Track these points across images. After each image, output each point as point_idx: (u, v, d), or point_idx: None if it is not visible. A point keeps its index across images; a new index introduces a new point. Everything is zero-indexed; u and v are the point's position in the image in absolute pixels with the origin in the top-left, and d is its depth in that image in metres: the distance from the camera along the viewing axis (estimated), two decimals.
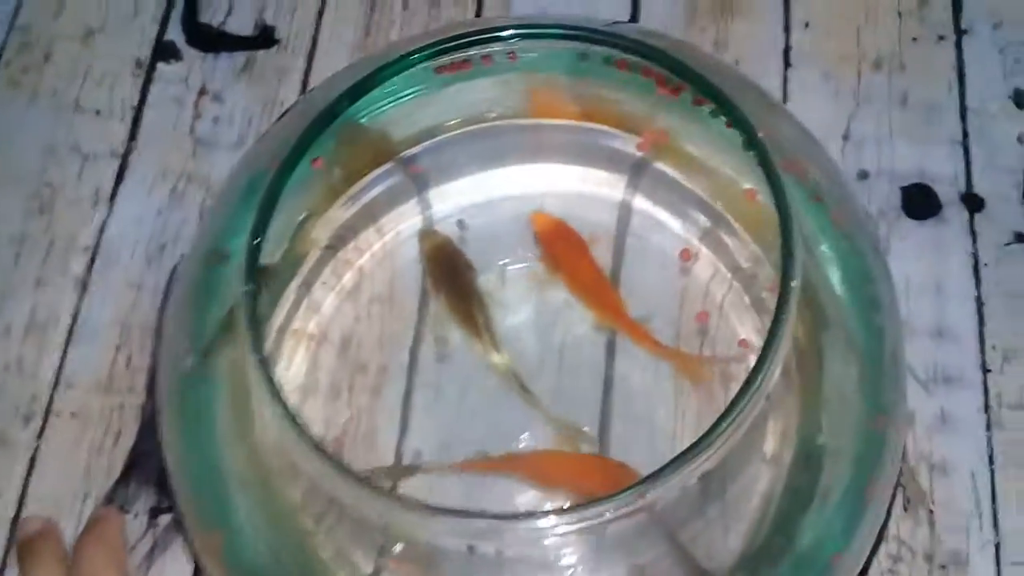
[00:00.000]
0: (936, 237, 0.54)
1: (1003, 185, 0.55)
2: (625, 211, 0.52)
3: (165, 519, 0.49)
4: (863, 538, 0.42)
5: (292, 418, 0.38)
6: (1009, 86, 0.57)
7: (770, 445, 0.43)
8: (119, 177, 0.56)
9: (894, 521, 0.48)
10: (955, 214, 0.54)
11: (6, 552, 0.49)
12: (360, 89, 0.43)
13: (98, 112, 0.58)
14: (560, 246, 0.50)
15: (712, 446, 0.37)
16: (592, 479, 0.46)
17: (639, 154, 0.51)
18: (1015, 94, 0.57)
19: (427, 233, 0.51)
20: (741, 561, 0.41)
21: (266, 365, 0.38)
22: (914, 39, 0.58)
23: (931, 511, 0.49)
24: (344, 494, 0.37)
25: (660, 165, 0.50)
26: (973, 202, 0.55)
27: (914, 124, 0.56)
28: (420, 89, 0.47)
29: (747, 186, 0.47)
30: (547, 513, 0.36)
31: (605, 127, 0.49)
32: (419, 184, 0.51)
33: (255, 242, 0.40)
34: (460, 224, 0.50)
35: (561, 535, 0.37)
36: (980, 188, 0.55)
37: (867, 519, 0.42)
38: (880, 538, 0.48)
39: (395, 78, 0.45)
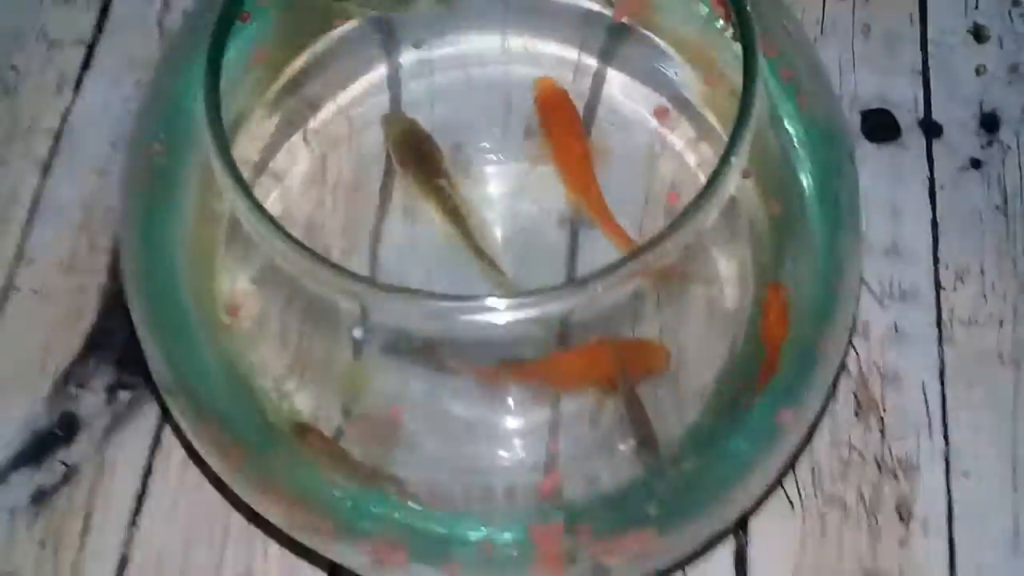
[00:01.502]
0: (894, 161, 0.55)
1: (961, 114, 0.56)
2: (599, 78, 0.51)
3: (125, 395, 0.49)
4: (812, 397, 0.43)
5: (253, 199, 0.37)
6: (969, 20, 0.59)
7: (729, 294, 0.44)
8: (85, 64, 0.56)
9: (846, 426, 0.49)
10: (914, 140, 0.56)
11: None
12: None
13: (66, 0, 0.57)
14: (555, 116, 0.49)
15: (669, 238, 0.36)
16: (608, 366, 0.45)
17: (614, 21, 0.50)
18: (975, 28, 0.59)
19: (392, 118, 0.50)
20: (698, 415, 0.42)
21: (227, 150, 0.37)
22: None
23: (882, 419, 0.50)
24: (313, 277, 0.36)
25: (636, 33, 0.50)
26: (931, 128, 0.56)
27: (876, 53, 0.58)
28: None
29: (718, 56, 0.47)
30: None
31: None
32: (388, 47, 0.51)
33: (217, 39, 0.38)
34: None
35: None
36: (938, 116, 0.56)
37: (817, 376, 0.42)
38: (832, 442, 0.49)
39: None
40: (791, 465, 0.48)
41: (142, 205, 0.42)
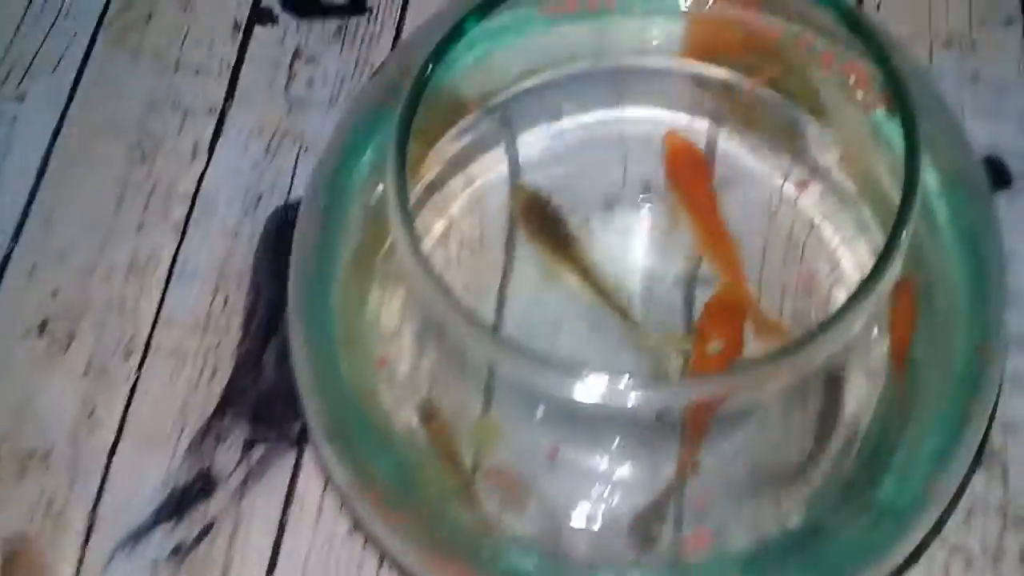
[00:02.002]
0: (1009, 208, 0.55)
1: None
2: (714, 139, 0.52)
3: (259, 450, 0.51)
4: (959, 462, 0.43)
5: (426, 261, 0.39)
6: None
7: (875, 357, 0.44)
8: (217, 132, 0.58)
9: (969, 475, 0.50)
10: None
11: (99, 495, 0.50)
12: (467, 23, 0.44)
13: (197, 71, 0.60)
14: (687, 171, 0.51)
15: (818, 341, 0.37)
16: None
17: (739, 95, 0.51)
18: None
19: (517, 188, 0.52)
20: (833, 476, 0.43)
21: (407, 210, 0.40)
22: (983, 22, 0.60)
23: (1005, 468, 0.50)
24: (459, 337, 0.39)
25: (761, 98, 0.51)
26: None
27: (985, 101, 0.58)
28: (517, 30, 0.48)
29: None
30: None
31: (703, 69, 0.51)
32: (506, 133, 0.52)
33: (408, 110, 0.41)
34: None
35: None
36: None
37: (964, 441, 0.42)
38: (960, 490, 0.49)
39: (485, 22, 0.45)
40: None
41: (305, 277, 0.44)
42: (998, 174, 0.57)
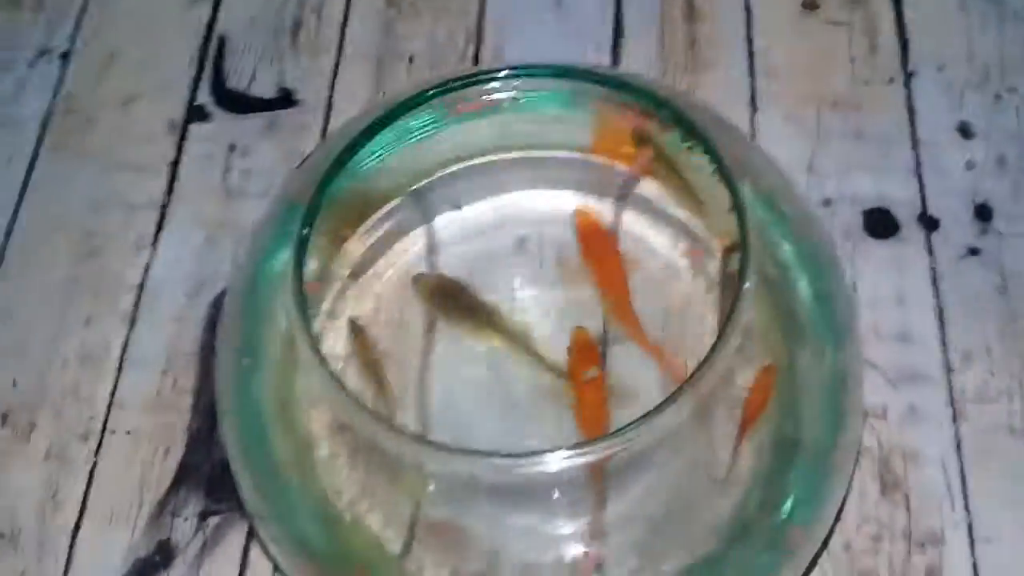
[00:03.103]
0: (897, 254, 0.59)
1: (955, 206, 0.61)
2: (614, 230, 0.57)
3: (214, 520, 0.54)
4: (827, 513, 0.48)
5: (331, 373, 0.44)
6: (954, 119, 0.63)
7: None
8: (160, 225, 0.62)
9: (873, 505, 0.53)
10: (913, 233, 0.60)
11: (66, 571, 0.53)
12: (377, 126, 0.49)
13: (138, 169, 0.64)
14: (595, 243, 0.55)
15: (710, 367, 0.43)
16: None
17: (623, 179, 0.56)
18: (961, 126, 0.63)
19: (419, 279, 0.56)
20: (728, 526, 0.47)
21: (310, 329, 0.44)
22: (866, 82, 0.64)
23: (907, 495, 0.53)
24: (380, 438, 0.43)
25: (644, 189, 0.56)
26: (929, 222, 0.60)
27: (871, 156, 0.62)
28: (428, 128, 0.53)
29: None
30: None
31: (594, 157, 0.55)
32: (426, 214, 0.57)
33: (304, 232, 0.46)
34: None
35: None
36: (934, 210, 0.61)
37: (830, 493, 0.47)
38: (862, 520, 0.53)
39: (404, 118, 0.50)
40: (824, 544, 0.52)
41: (233, 368, 0.48)
42: (886, 223, 0.61)
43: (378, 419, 0.44)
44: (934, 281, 0.59)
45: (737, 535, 0.46)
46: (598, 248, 0.55)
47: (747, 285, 0.45)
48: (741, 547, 0.46)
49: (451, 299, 0.55)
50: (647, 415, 0.43)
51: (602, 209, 0.56)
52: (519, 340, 0.53)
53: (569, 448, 0.42)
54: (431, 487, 0.47)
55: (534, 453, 0.42)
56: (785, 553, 0.46)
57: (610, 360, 0.54)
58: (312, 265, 0.49)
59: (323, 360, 0.44)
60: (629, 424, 0.42)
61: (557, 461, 0.42)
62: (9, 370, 0.58)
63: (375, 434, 0.43)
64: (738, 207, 0.46)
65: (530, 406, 0.53)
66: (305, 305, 0.45)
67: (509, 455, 0.42)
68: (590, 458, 0.42)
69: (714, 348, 0.43)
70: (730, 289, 0.48)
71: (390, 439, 0.43)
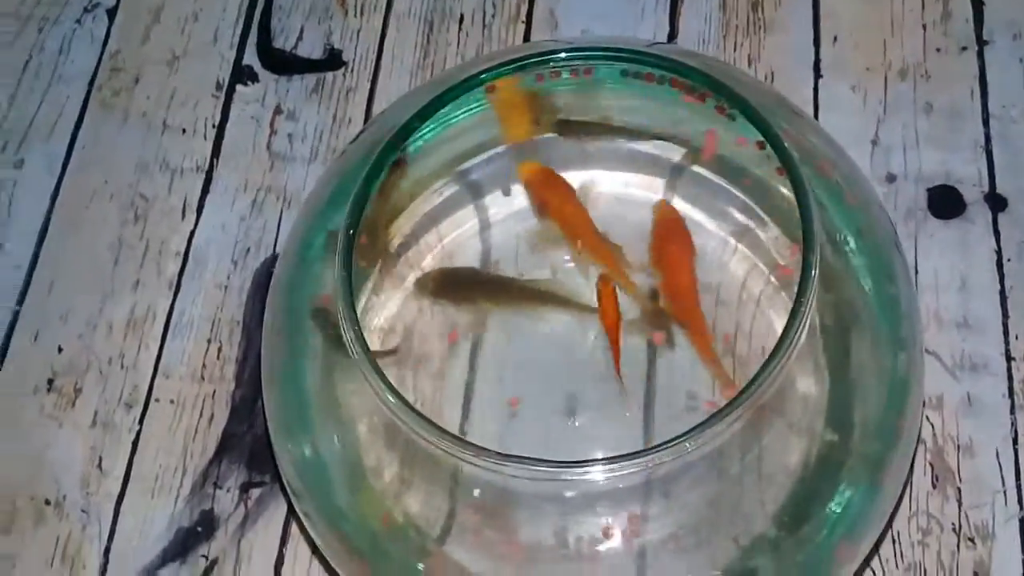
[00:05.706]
0: (961, 235, 0.58)
1: None
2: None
3: (255, 492, 0.54)
4: (881, 511, 0.47)
5: (379, 372, 0.43)
6: None
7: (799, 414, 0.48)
8: (205, 189, 0.61)
9: (924, 497, 0.52)
10: (979, 213, 0.58)
11: (110, 538, 0.54)
12: (429, 109, 0.48)
13: (183, 131, 0.63)
14: (548, 192, 0.54)
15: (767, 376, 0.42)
16: None
17: (676, 159, 0.54)
18: None
19: (419, 279, 0.54)
20: (776, 522, 0.46)
21: (359, 332, 0.44)
22: (938, 50, 0.62)
23: (958, 488, 0.52)
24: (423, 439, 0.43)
25: (696, 168, 0.54)
26: (996, 202, 0.58)
27: (939, 130, 0.60)
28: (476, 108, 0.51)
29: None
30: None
31: (644, 138, 0.54)
32: (474, 193, 0.56)
33: (350, 232, 0.45)
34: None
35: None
36: (1003, 188, 0.59)
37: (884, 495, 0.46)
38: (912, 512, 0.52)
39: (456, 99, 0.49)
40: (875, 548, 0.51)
41: (279, 356, 0.48)
42: (951, 201, 0.59)
43: (420, 419, 0.43)
44: (999, 265, 0.57)
45: (784, 531, 0.45)
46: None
47: (805, 301, 0.43)
48: (787, 544, 0.46)
49: (460, 286, 0.54)
50: (700, 425, 0.42)
51: (655, 193, 0.55)
52: (545, 297, 0.53)
53: (615, 460, 0.41)
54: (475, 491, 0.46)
55: (580, 464, 0.42)
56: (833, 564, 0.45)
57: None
58: (360, 240, 0.48)
59: (375, 366, 0.44)
60: (680, 435, 0.41)
61: (602, 473, 0.41)
62: (55, 335, 0.58)
63: (416, 435, 0.43)
64: (805, 219, 0.44)
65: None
66: (352, 299, 0.44)
67: (554, 464, 0.41)
68: (637, 471, 0.41)
69: (771, 357, 0.42)
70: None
71: (431, 441, 0.42)
